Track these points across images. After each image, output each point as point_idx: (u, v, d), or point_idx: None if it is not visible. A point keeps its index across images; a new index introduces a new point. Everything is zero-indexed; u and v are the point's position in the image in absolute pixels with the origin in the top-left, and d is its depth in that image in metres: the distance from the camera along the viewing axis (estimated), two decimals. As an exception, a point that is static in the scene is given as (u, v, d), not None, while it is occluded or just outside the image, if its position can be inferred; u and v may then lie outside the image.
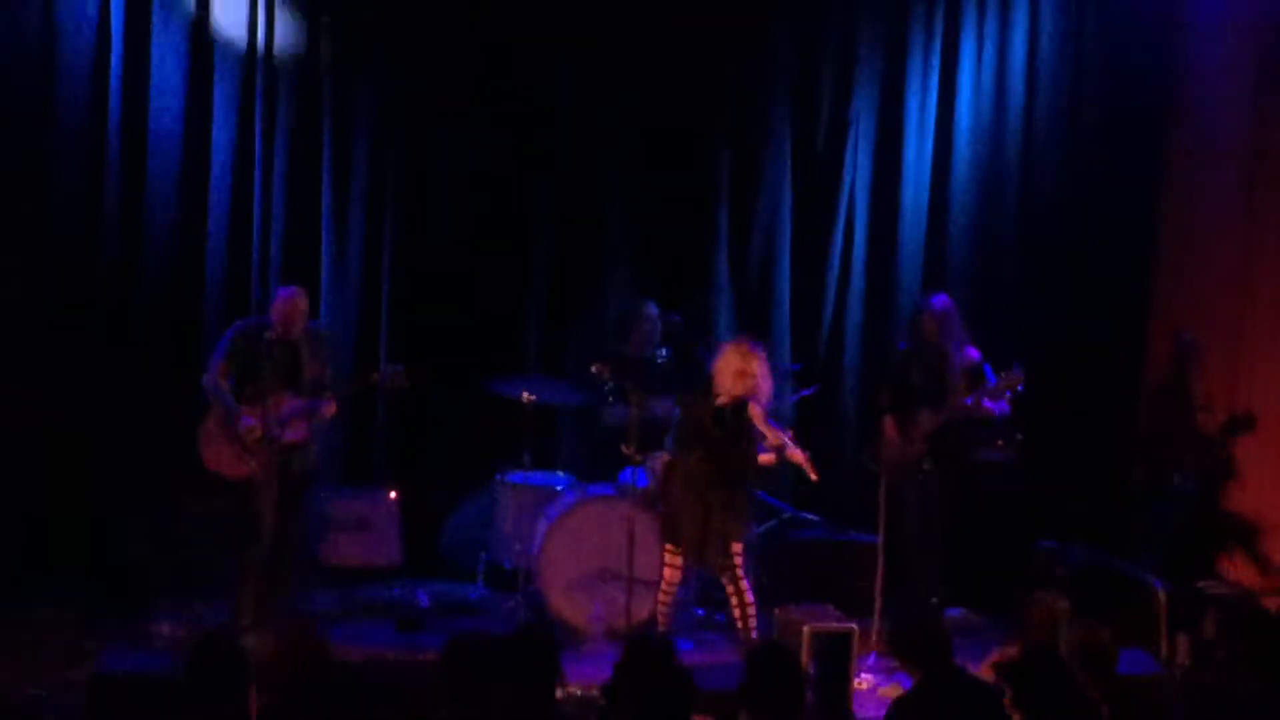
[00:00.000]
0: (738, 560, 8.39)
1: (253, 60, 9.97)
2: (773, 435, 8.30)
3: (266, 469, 8.44)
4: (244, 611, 8.44)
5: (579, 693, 7.60)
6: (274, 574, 8.63)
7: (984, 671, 6.46)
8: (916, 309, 9.47)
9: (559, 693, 7.39)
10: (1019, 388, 8.86)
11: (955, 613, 9.14)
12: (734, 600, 8.43)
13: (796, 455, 8.27)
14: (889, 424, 9.11)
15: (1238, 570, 9.42)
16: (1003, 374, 8.85)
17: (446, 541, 10.12)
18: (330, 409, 8.60)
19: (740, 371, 8.30)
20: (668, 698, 5.42)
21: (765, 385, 8.35)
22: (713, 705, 6.57)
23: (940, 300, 9.27)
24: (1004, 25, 10.41)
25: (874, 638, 8.50)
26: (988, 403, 8.91)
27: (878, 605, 8.64)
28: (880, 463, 8.96)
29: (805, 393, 9.97)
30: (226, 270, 10.00)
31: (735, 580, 8.38)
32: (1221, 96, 9.72)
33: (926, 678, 5.98)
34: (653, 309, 9.54)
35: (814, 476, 8.29)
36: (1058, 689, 5.65)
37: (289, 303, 8.54)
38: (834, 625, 7.98)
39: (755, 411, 8.27)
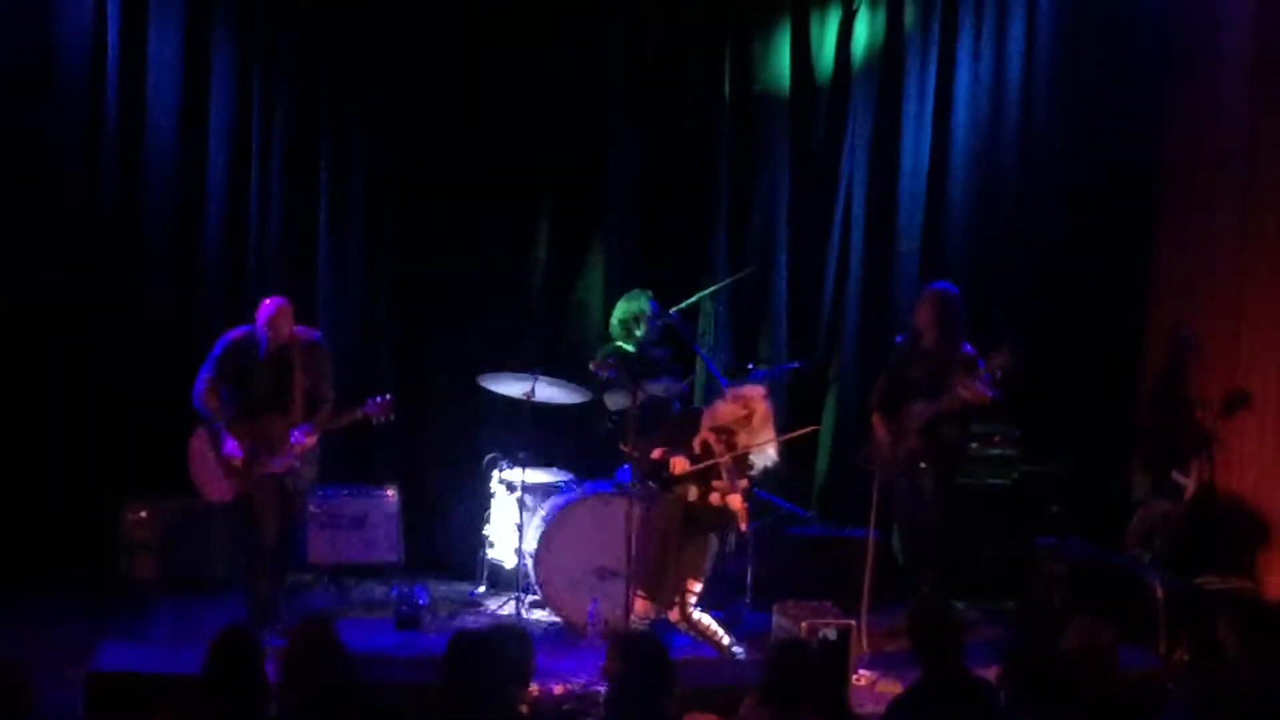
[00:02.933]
0: (691, 599, 8.33)
1: (250, 60, 9.99)
2: (727, 481, 8.24)
3: (257, 494, 8.34)
4: (256, 615, 8.37)
5: (577, 689, 7.61)
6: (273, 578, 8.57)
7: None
8: (919, 296, 9.43)
9: (558, 688, 7.48)
10: (1010, 364, 8.81)
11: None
12: (694, 635, 8.37)
13: (735, 502, 8.21)
14: (877, 420, 9.10)
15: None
16: (991, 355, 8.79)
17: (445, 539, 10.12)
18: (309, 441, 8.40)
19: (744, 417, 8.24)
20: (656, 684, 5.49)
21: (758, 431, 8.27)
22: (708, 701, 6.59)
23: (944, 286, 9.22)
24: (1001, 18, 10.42)
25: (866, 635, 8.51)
26: (981, 388, 8.84)
27: (865, 602, 8.63)
28: (874, 460, 8.95)
29: (794, 365, 10.01)
30: (224, 271, 10.02)
31: (688, 619, 8.32)
32: (1220, 90, 9.72)
33: (930, 673, 5.97)
34: (652, 306, 9.54)
35: (743, 528, 8.26)
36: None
37: (274, 314, 8.35)
38: (832, 621, 7.98)
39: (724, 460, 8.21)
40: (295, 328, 8.48)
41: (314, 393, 8.46)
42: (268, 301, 8.45)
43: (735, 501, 8.20)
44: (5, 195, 9.69)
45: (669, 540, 8.32)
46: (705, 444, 8.28)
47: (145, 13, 9.81)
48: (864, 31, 10.47)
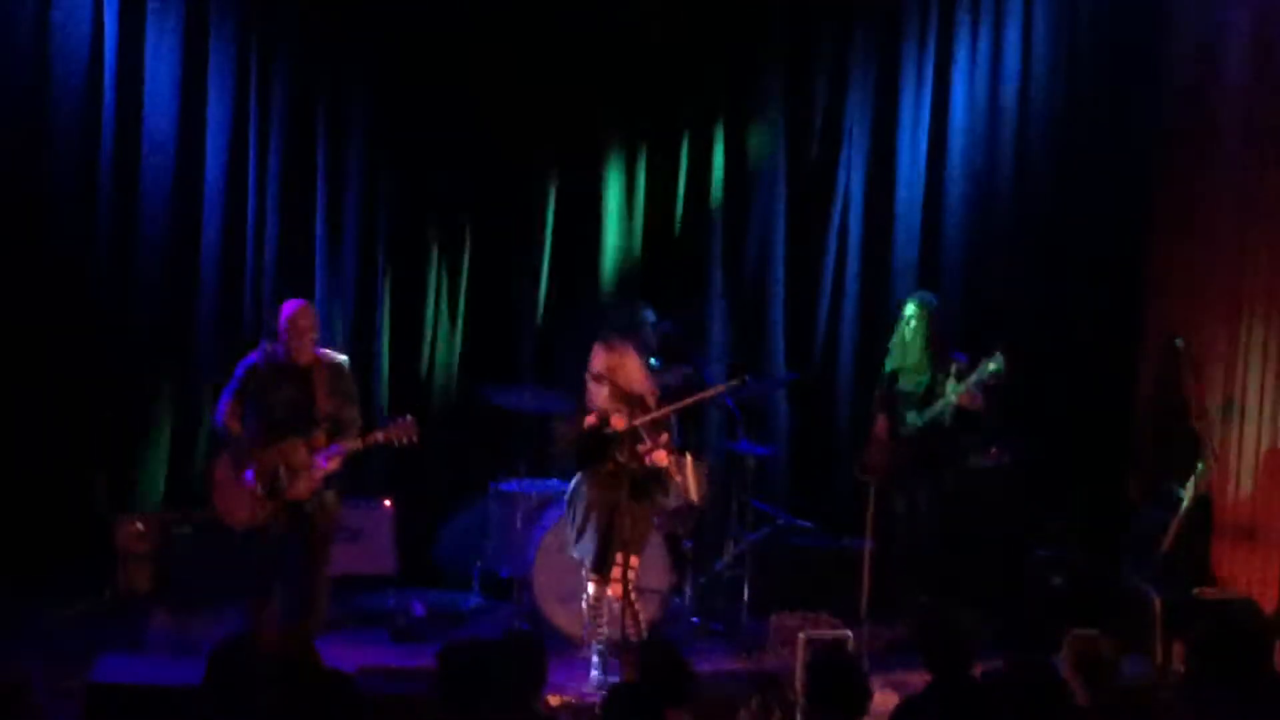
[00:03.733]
0: (632, 576, 8.31)
1: (247, 68, 9.99)
2: (649, 441, 8.25)
3: (279, 520, 8.09)
4: (274, 643, 8.09)
5: (574, 700, 7.61)
6: (306, 610, 8.24)
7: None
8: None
9: (553, 700, 7.47)
10: (1000, 370, 8.88)
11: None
12: (626, 617, 8.25)
13: (660, 458, 8.21)
14: (880, 427, 9.11)
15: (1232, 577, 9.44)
16: (984, 360, 8.85)
17: (441, 550, 10.12)
18: (333, 465, 8.10)
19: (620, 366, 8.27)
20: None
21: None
22: (712, 712, 6.59)
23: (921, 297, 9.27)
24: (997, 32, 10.43)
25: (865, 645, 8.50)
26: (973, 393, 8.89)
27: (864, 611, 8.64)
28: (870, 471, 8.95)
29: (791, 376, 10.06)
30: (220, 279, 10.02)
31: (628, 596, 8.23)
32: (1216, 101, 9.73)
33: (939, 682, 5.97)
34: (648, 316, 9.52)
35: (676, 477, 8.30)
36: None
37: (298, 311, 8.09)
38: (829, 632, 7.99)
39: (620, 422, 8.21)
40: (319, 350, 8.20)
41: (338, 417, 8.15)
42: (289, 303, 8.18)
43: (661, 458, 8.17)
44: (2, 205, 9.69)
45: (612, 514, 8.20)
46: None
47: (143, 21, 9.80)
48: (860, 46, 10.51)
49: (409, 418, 8.26)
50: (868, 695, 5.63)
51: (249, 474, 8.04)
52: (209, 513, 8.40)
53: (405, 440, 8.24)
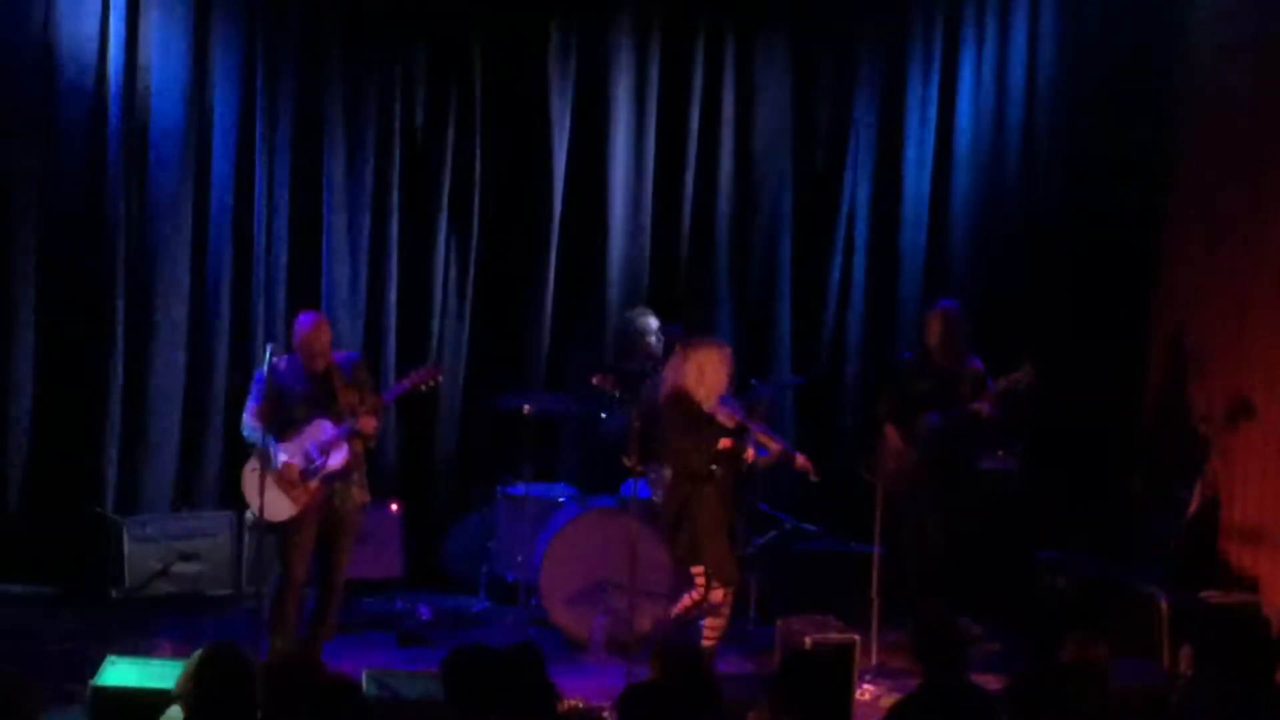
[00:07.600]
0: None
1: (253, 61, 9.98)
2: (771, 441, 8.42)
3: (310, 506, 8.10)
4: (280, 650, 8.08)
5: (580, 705, 7.61)
6: (319, 616, 8.36)
7: None
8: (926, 313, 9.47)
9: (562, 705, 7.46)
10: (1030, 382, 8.92)
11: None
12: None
13: (777, 449, 8.49)
14: (891, 432, 9.11)
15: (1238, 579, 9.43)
16: (1013, 374, 8.86)
17: (448, 554, 10.12)
18: (369, 423, 8.13)
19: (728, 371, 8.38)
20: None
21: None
22: (720, 715, 6.59)
23: (950, 304, 9.28)
24: (1003, 33, 10.43)
25: (875, 649, 8.49)
26: (986, 408, 8.92)
27: (875, 616, 8.62)
28: (878, 473, 8.95)
29: (798, 380, 10.13)
30: (229, 280, 10.02)
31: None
32: (1223, 100, 9.73)
33: (929, 684, 5.99)
34: (652, 321, 9.52)
35: (812, 476, 8.53)
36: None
37: (311, 330, 8.11)
38: (836, 636, 7.98)
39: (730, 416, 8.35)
40: (332, 354, 8.25)
41: (354, 408, 8.18)
42: (303, 319, 8.22)
43: (726, 442, 8.35)
44: (11, 206, 9.69)
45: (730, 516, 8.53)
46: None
47: (149, 22, 9.79)
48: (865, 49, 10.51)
49: (430, 363, 8.38)
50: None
51: (284, 457, 8.04)
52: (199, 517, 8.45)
53: (431, 382, 8.36)
